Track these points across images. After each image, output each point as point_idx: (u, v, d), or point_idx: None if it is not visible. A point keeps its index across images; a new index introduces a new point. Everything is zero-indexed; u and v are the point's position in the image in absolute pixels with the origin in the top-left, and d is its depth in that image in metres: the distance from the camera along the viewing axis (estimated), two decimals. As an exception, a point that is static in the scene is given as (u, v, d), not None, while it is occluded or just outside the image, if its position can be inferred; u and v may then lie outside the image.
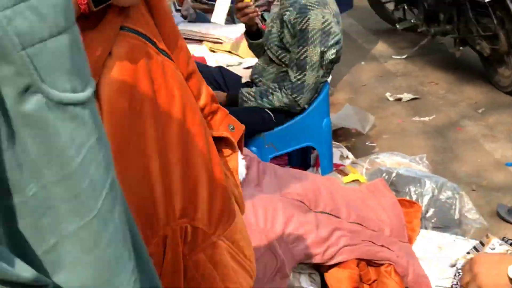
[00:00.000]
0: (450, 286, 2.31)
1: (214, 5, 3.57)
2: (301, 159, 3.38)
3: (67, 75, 0.60)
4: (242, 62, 3.77)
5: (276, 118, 2.92)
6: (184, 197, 1.07)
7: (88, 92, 0.61)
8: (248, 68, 3.57)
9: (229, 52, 3.91)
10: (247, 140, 2.84)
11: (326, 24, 2.83)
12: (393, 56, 5.53)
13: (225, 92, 3.02)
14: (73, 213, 0.59)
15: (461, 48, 4.75)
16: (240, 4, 2.93)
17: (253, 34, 3.09)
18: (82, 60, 0.62)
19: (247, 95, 2.92)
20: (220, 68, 3.25)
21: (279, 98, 2.88)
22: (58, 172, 0.59)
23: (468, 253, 2.11)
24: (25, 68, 0.57)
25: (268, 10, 4.24)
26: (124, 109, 1.00)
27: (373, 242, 2.34)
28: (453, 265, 2.30)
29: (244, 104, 2.92)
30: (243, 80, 3.18)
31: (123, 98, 1.00)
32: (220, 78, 3.12)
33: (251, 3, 2.95)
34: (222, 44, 3.96)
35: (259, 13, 3.17)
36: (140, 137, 1.02)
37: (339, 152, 3.47)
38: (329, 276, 2.27)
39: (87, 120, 0.61)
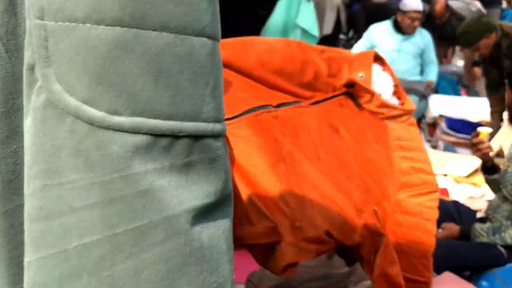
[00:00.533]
0: None
1: (462, 137, 3.78)
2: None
3: (92, 77, 0.43)
4: (485, 195, 3.86)
5: (509, 255, 2.97)
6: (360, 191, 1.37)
7: (121, 119, 0.43)
8: (490, 201, 3.66)
9: (473, 184, 4.03)
10: (477, 274, 2.94)
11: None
12: None
13: (459, 225, 3.17)
14: None
15: None
16: (474, 140, 3.12)
17: (488, 169, 3.22)
18: (152, 80, 0.43)
19: (480, 230, 3.03)
20: (455, 202, 3.42)
21: (511, 236, 2.95)
22: None
23: None
24: (34, 42, 0.45)
25: None
26: None
27: None
28: None
29: (476, 239, 3.03)
30: (478, 215, 3.29)
31: None
32: (455, 212, 3.29)
33: (485, 139, 3.12)
34: (467, 177, 4.10)
35: (493, 149, 3.30)
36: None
37: None
38: None
39: (85, 141, 0.43)
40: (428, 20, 6.01)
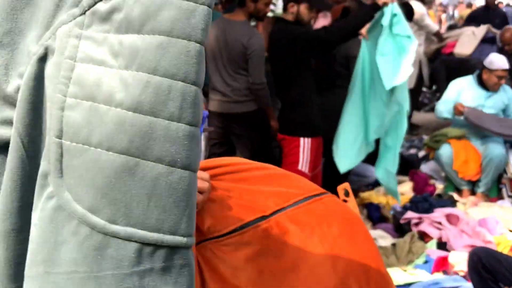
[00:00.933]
0: None
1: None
2: None
3: (96, 192, 0.54)
4: None
5: None
6: None
7: (120, 230, 0.53)
8: None
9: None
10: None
11: None
12: None
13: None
14: None
15: None
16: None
17: None
18: (145, 203, 0.54)
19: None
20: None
21: None
22: None
23: None
24: (51, 156, 0.55)
25: None
26: None
27: None
28: None
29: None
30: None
31: None
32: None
33: None
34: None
35: None
36: None
37: None
38: None
39: (86, 242, 0.55)
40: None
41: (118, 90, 0.53)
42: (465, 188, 4.75)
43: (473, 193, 4.76)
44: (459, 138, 4.79)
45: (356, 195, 4.32)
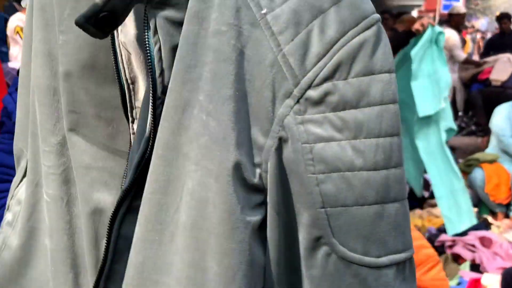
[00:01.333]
0: None
1: None
2: None
3: (363, 239, 0.67)
4: None
5: None
6: None
7: (386, 261, 0.68)
8: None
9: None
10: None
11: None
12: None
13: None
14: None
15: None
16: None
17: None
18: (393, 233, 0.68)
19: None
20: None
21: None
22: None
23: None
24: (320, 223, 0.66)
25: None
26: None
27: None
28: None
29: None
30: None
31: None
32: None
33: None
34: None
35: None
36: None
37: None
38: None
39: (367, 278, 0.68)
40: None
41: (356, 157, 0.66)
42: (500, 211, 4.79)
43: (507, 216, 4.79)
44: (491, 162, 4.85)
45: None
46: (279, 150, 0.67)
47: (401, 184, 0.69)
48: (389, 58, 0.68)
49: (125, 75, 0.76)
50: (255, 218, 0.68)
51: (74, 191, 0.82)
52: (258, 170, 0.68)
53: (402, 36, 3.63)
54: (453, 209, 3.55)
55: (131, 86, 0.77)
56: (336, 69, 0.66)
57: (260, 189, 0.69)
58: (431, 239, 4.12)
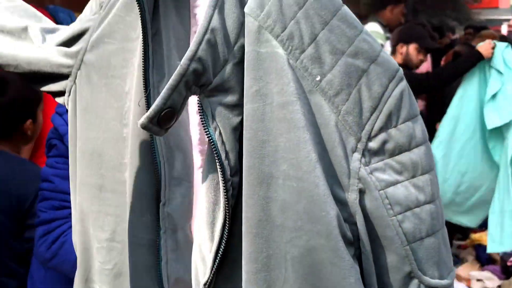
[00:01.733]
0: None
1: None
2: None
3: (436, 265, 0.78)
4: None
5: None
6: None
7: (450, 279, 0.80)
8: None
9: None
10: None
11: None
12: None
13: None
14: None
15: None
16: None
17: None
18: (447, 253, 0.80)
19: None
20: None
21: None
22: None
23: None
24: (409, 259, 0.76)
25: None
26: None
27: None
28: None
29: None
30: None
31: None
32: None
33: None
34: None
35: None
36: None
37: None
38: None
39: None
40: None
41: (418, 194, 0.77)
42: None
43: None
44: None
45: (467, 236, 4.36)
46: (361, 201, 0.76)
47: (442, 210, 0.81)
48: (415, 102, 0.79)
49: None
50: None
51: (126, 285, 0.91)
52: (346, 225, 0.75)
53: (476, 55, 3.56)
54: (498, 228, 3.50)
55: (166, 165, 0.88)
56: (388, 118, 0.75)
57: (351, 242, 0.76)
58: (504, 259, 4.00)
